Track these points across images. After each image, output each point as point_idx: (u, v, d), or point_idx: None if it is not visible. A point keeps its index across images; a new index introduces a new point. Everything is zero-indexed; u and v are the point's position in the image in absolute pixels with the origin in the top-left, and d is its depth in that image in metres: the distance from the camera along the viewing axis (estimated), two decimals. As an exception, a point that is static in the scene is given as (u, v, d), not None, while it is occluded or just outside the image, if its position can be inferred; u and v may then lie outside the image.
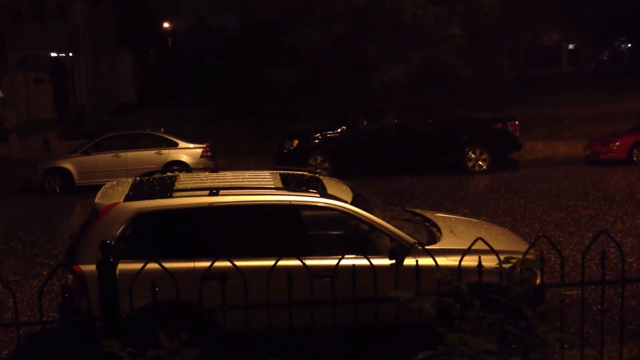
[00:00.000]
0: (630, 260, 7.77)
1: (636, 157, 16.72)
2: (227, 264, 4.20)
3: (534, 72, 35.20)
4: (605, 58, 45.34)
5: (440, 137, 16.75)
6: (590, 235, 9.80)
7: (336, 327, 4.65)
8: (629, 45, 41.61)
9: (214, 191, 5.95)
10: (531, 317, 2.95)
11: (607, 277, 4.26)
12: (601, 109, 24.91)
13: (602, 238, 4.69)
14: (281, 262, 4.37)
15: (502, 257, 3.72)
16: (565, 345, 4.54)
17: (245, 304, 3.95)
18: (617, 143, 17.06)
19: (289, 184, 6.39)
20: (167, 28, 42.79)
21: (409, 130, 16.88)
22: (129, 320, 4.11)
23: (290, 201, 5.97)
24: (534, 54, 36.53)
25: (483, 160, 16.72)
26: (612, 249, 7.54)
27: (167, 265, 4.23)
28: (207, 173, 7.20)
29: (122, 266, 4.15)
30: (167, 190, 6.16)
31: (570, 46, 42.19)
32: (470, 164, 16.71)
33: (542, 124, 22.27)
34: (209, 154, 16.83)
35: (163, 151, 16.54)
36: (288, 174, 6.96)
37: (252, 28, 26.23)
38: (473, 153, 16.72)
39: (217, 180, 6.55)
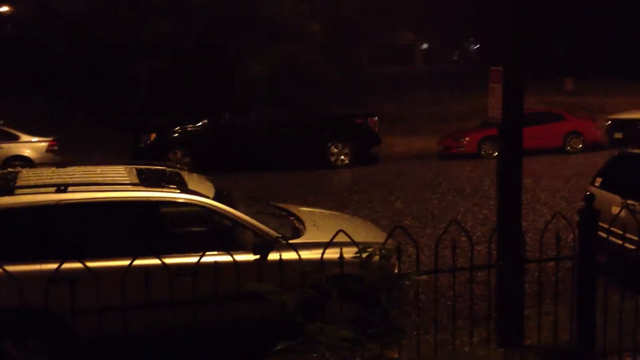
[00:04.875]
0: (479, 248, 8.25)
1: (484, 151, 17.89)
2: (79, 265, 3.95)
3: (390, 70, 36.64)
4: (456, 58, 48.23)
5: (303, 133, 16.96)
6: (443, 225, 10.32)
7: (199, 325, 4.53)
8: (477, 46, 44.55)
9: (62, 188, 5.56)
10: (386, 303, 3.04)
11: (459, 265, 4.47)
12: (452, 106, 26.44)
13: (453, 228, 4.92)
14: (139, 262, 4.18)
15: (362, 248, 3.79)
16: (422, 331, 4.73)
17: (97, 307, 3.73)
18: (467, 138, 18.18)
19: (146, 180, 6.12)
20: (5, 12, 39.26)
21: (272, 125, 16.92)
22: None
23: (147, 197, 5.72)
24: (390, 53, 38.03)
25: (345, 155, 17.14)
26: (463, 238, 7.98)
27: (10, 268, 3.91)
28: (54, 169, 6.73)
29: (-44, 272, 3.77)
30: (8, 187, 5.69)
31: (424, 46, 44.41)
32: (332, 159, 17.06)
33: (399, 120, 23.22)
34: (56, 148, 15.75)
35: (2, 145, 15.30)
36: (145, 169, 6.69)
37: (104, 16, 24.95)
38: (335, 148, 17.09)
39: (65, 176, 6.14)
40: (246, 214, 6.03)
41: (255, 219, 6.00)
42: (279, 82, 21.56)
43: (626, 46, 36.05)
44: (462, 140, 18.23)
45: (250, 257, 5.58)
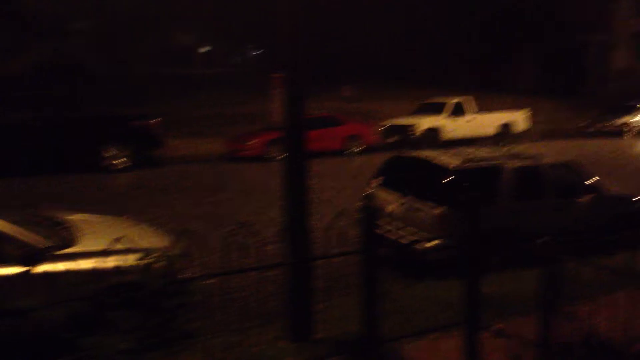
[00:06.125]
0: (269, 248, 8.23)
1: (271, 153, 18.14)
2: None
3: (170, 71, 35.80)
4: (237, 62, 48.79)
5: (76, 134, 15.67)
6: (231, 227, 10.16)
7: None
8: (260, 51, 45.48)
9: None
10: (171, 310, 2.83)
11: (249, 266, 4.33)
12: (238, 109, 26.59)
13: (242, 229, 4.79)
14: None
15: (144, 254, 3.50)
16: (209, 335, 4.49)
17: None
18: (254, 141, 18.31)
19: None
20: None
21: (38, 126, 15.38)
22: None
23: None
24: (169, 54, 37.19)
25: (123, 158, 16.18)
26: (252, 239, 7.89)
27: None
28: None
29: None
30: None
31: (204, 49, 44.22)
32: (109, 162, 16.01)
33: (183, 123, 22.73)
34: None
35: None
36: None
37: None
38: (112, 151, 16.04)
39: None
40: (7, 222, 5.30)
41: (19, 228, 5.30)
42: (48, 81, 19.88)
43: (397, 56, 39.22)
44: (249, 142, 18.32)
45: (15, 269, 4.91)
